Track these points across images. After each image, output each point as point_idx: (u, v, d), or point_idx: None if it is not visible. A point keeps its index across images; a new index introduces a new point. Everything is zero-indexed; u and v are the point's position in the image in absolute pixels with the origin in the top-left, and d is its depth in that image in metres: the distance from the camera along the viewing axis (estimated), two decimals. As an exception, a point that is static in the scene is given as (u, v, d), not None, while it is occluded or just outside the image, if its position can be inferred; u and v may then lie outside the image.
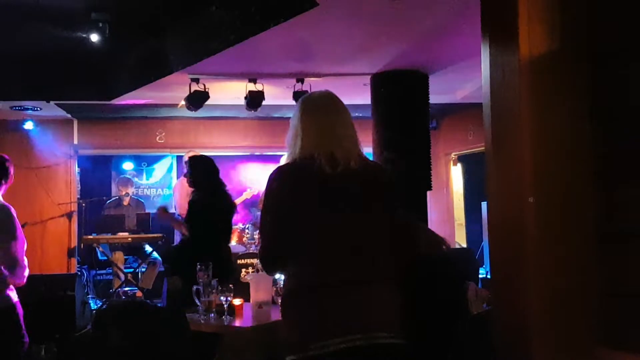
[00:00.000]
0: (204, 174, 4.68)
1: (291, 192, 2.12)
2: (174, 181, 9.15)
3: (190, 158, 4.87)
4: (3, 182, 3.68)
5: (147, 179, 9.71)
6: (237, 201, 7.73)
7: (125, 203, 7.98)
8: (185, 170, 7.39)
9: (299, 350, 1.99)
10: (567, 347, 1.65)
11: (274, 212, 2.14)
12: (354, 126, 2.25)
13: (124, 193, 7.97)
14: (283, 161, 2.30)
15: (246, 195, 7.83)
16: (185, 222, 4.74)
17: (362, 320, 1.99)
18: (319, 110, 2.25)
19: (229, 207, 4.78)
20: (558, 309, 1.64)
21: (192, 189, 4.72)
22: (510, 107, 1.60)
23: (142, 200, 8.41)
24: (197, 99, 6.29)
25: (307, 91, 6.33)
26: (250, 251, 7.21)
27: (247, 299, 3.42)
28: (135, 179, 9.48)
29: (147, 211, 8.06)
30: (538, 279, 1.60)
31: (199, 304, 3.38)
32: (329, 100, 2.30)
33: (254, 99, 6.33)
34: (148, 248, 7.46)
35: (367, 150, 7.25)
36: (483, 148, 1.85)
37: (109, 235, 7.23)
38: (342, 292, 2.01)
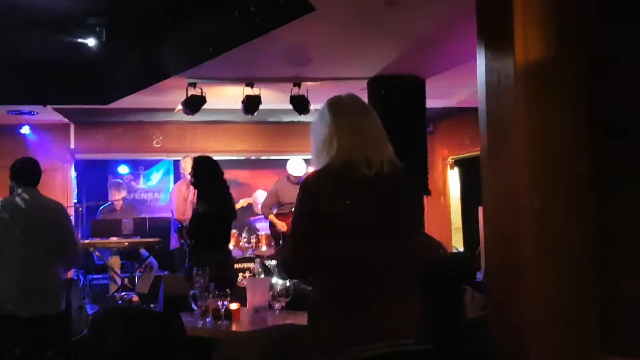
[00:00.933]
0: (208, 176, 4.61)
1: (330, 198, 2.07)
2: (171, 185, 9.14)
3: (195, 159, 4.79)
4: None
5: (144, 183, 9.70)
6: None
7: (117, 208, 7.98)
8: (181, 174, 7.41)
9: (326, 355, 2.00)
10: (564, 352, 1.65)
11: (310, 217, 2.10)
12: (383, 127, 2.22)
13: (116, 197, 7.96)
14: (314, 165, 2.23)
15: (242, 203, 7.82)
16: (188, 233, 4.74)
17: (389, 327, 2.00)
18: (351, 112, 2.20)
19: (232, 214, 4.75)
20: (555, 314, 1.65)
21: (195, 196, 4.69)
22: (505, 112, 1.60)
23: (136, 205, 8.39)
24: (194, 103, 6.29)
25: (304, 96, 6.35)
26: (247, 255, 7.20)
27: (243, 303, 3.41)
28: (132, 183, 9.47)
29: (142, 215, 8.04)
30: (535, 284, 1.60)
31: (195, 308, 3.37)
32: (359, 102, 2.26)
33: (251, 103, 6.33)
34: (145, 252, 7.44)
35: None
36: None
37: (106, 240, 7.21)
38: (371, 300, 2.02)
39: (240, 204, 7.79)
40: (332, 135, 2.15)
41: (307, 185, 2.15)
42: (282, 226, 7.19)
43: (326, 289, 2.09)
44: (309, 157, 8.16)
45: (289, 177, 7.45)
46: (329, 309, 2.06)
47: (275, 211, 7.41)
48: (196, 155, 5.15)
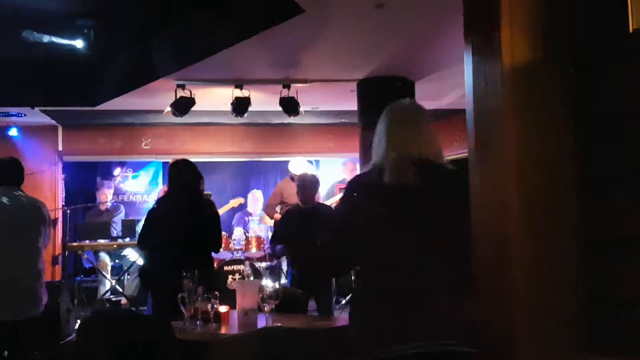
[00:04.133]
0: (177, 181, 4.47)
1: (368, 199, 2.18)
2: (160, 187, 9.11)
3: (171, 163, 4.66)
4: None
5: (133, 186, 9.65)
6: (222, 210, 7.70)
7: (102, 208, 7.94)
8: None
9: (367, 354, 2.06)
10: (553, 352, 1.66)
11: (348, 217, 2.21)
12: (436, 135, 2.30)
13: (104, 199, 7.93)
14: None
15: (232, 204, 7.80)
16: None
17: (428, 327, 2.04)
18: (406, 118, 2.29)
19: (201, 218, 4.40)
20: (544, 314, 1.65)
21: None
22: (492, 114, 1.61)
23: (122, 206, 8.35)
24: (183, 105, 6.28)
25: (293, 97, 6.35)
26: (237, 257, 7.19)
27: (233, 306, 3.40)
28: (121, 185, 9.43)
29: (131, 217, 8.02)
30: (523, 285, 1.60)
31: (184, 311, 3.35)
32: (416, 110, 2.34)
33: (241, 105, 6.32)
34: (133, 255, 7.41)
35: (354, 156, 7.29)
36: (468, 154, 1.85)
37: (94, 242, 7.18)
38: (410, 300, 2.06)
39: (231, 204, 7.75)
40: (384, 137, 2.24)
41: (349, 185, 2.29)
42: None
43: (364, 289, 2.18)
44: (302, 157, 8.15)
45: (292, 177, 7.46)
46: (366, 310, 2.13)
47: (279, 210, 7.39)
48: (185, 157, 5.08)
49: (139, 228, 7.59)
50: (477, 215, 1.72)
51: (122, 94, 6.24)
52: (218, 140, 8.77)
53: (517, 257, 1.63)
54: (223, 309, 3.33)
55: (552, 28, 1.59)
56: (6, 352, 3.87)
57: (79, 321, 5.95)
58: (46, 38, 4.70)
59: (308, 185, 5.34)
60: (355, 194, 2.23)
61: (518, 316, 1.63)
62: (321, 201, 7.16)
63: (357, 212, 2.18)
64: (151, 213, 4.52)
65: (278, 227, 5.80)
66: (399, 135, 2.22)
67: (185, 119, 6.68)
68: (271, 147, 8.83)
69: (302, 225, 5.11)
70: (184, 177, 4.46)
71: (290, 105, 6.38)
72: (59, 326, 5.48)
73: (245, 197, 8.41)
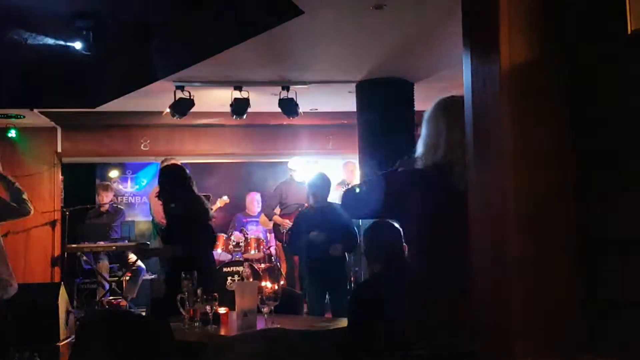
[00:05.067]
0: (174, 184, 4.47)
1: (427, 200, 2.14)
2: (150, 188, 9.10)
3: (161, 168, 4.74)
4: None
5: (132, 187, 9.65)
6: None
7: (103, 210, 7.94)
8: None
9: (406, 347, 2.10)
10: (549, 354, 1.66)
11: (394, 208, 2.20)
12: None
13: (103, 201, 7.93)
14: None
15: (219, 203, 7.79)
16: (165, 237, 4.59)
17: (464, 327, 2.05)
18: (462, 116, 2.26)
19: (203, 216, 4.53)
20: (541, 315, 1.65)
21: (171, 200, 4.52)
22: (491, 115, 1.62)
23: (123, 208, 8.35)
24: (182, 107, 6.28)
25: (292, 99, 6.35)
26: (236, 259, 7.19)
27: (232, 307, 3.40)
28: (120, 187, 9.43)
29: (130, 219, 8.01)
30: (519, 286, 1.61)
31: (183, 312, 3.35)
32: None
33: (240, 106, 6.33)
34: (132, 256, 7.40)
35: (354, 157, 7.29)
36: (466, 156, 1.86)
37: (93, 244, 7.17)
38: (452, 299, 2.07)
39: (218, 204, 7.75)
40: (442, 137, 2.20)
41: (397, 177, 2.24)
42: (287, 224, 7.14)
43: (412, 283, 2.18)
44: (299, 158, 8.08)
45: (292, 177, 7.47)
46: (412, 304, 2.15)
47: (278, 211, 7.39)
48: (182, 158, 5.08)
49: (138, 228, 7.62)
50: (475, 215, 1.72)
51: (121, 95, 6.24)
52: (217, 141, 8.77)
53: (514, 257, 1.63)
54: (222, 310, 3.33)
55: (550, 29, 1.59)
56: None
57: (78, 323, 5.95)
58: (32, 38, 4.69)
59: (323, 183, 5.26)
60: (408, 190, 2.18)
61: (515, 316, 1.63)
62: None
63: (406, 206, 2.15)
64: (171, 214, 4.50)
65: (294, 232, 5.67)
66: (461, 136, 2.18)
67: (185, 120, 6.68)
68: (270, 148, 8.83)
69: (318, 226, 5.06)
70: (181, 176, 4.51)
71: (289, 107, 6.39)
72: (58, 327, 5.48)
73: (244, 199, 8.41)
